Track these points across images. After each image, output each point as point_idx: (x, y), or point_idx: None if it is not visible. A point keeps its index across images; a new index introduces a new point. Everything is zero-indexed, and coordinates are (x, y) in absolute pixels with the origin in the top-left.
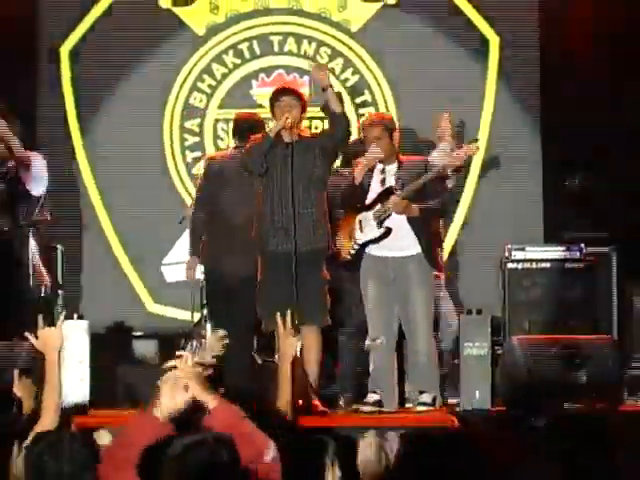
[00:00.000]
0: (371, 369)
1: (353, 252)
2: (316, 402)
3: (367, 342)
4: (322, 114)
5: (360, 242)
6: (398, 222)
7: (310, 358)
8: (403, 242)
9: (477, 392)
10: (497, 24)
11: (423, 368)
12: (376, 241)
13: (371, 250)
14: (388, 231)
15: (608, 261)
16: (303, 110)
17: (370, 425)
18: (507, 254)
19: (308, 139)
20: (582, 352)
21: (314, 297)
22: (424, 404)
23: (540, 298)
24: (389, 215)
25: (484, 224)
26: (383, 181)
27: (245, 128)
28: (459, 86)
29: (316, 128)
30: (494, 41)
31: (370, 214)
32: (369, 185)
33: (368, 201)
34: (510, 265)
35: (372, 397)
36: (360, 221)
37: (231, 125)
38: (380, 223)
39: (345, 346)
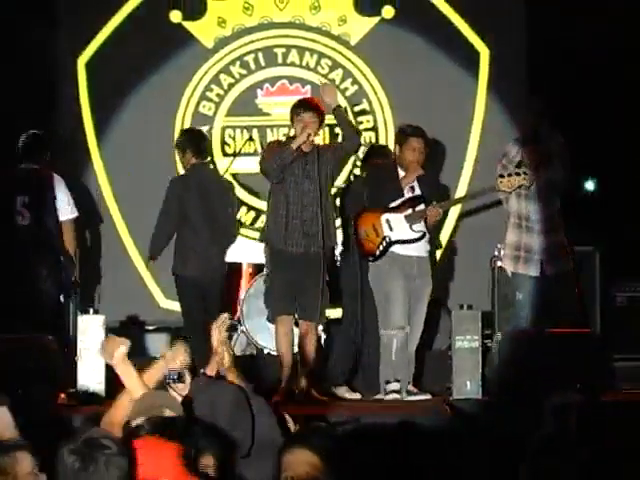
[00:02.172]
0: (393, 358)
1: (382, 248)
2: (314, 392)
3: (389, 332)
4: (333, 121)
5: (392, 240)
6: (422, 226)
7: (308, 352)
8: (423, 244)
9: (468, 382)
10: (487, 37)
11: (414, 359)
12: (408, 242)
13: (396, 249)
14: (423, 235)
15: (592, 259)
16: (320, 125)
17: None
18: (497, 253)
19: (322, 149)
20: (567, 345)
21: (318, 296)
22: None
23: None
24: (420, 220)
25: (475, 225)
26: (412, 188)
27: (200, 141)
28: (451, 96)
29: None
30: (484, 53)
31: (400, 216)
32: None
33: (396, 204)
34: (500, 263)
35: (394, 386)
36: (388, 220)
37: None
38: (411, 226)
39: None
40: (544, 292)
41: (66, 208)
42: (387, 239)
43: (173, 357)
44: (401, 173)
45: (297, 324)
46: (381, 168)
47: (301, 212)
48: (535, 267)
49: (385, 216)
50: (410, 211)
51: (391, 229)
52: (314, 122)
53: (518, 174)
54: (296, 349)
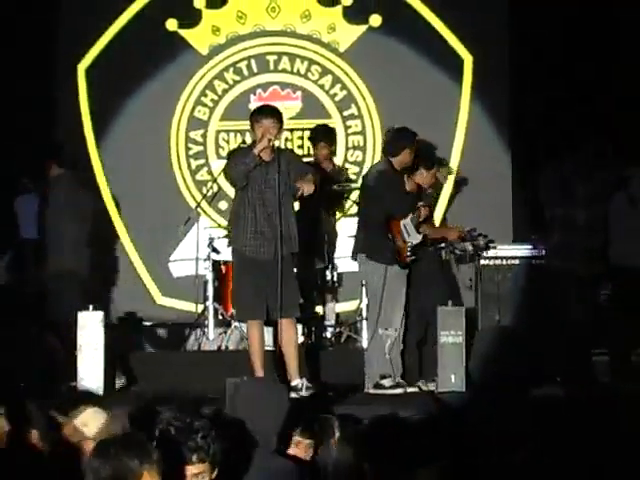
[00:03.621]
0: (387, 356)
1: (410, 254)
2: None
3: (387, 332)
4: (311, 125)
5: (414, 244)
6: None
7: (290, 347)
8: None
9: (452, 376)
10: (470, 45)
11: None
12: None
13: None
14: (425, 236)
15: None
16: (280, 129)
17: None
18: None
19: (283, 157)
20: (548, 340)
21: (291, 295)
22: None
23: (509, 291)
24: (417, 222)
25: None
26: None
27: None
28: (436, 101)
29: (302, 138)
30: (468, 60)
31: (408, 220)
32: None
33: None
34: (483, 262)
35: (390, 381)
36: (405, 225)
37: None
38: (416, 229)
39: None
40: (577, 290)
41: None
42: (410, 244)
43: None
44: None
45: (268, 323)
46: (386, 172)
47: (266, 219)
48: (576, 266)
49: (402, 222)
50: (411, 214)
51: (408, 234)
52: (274, 127)
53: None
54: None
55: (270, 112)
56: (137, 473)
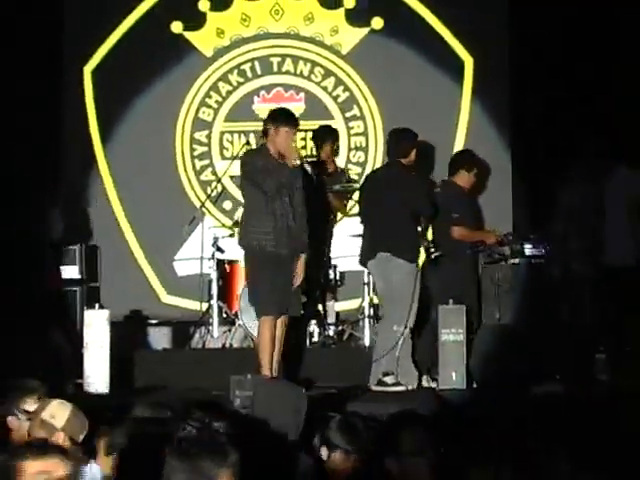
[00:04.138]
0: (397, 353)
1: (433, 250)
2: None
3: (402, 329)
4: (314, 126)
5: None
6: None
7: (279, 343)
8: None
9: (453, 374)
10: (471, 47)
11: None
12: None
13: None
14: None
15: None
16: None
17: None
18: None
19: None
20: (547, 338)
21: (298, 293)
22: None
23: (510, 289)
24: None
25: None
26: None
27: None
28: (437, 102)
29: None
30: (468, 62)
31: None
32: None
33: None
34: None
35: (393, 378)
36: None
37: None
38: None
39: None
40: (589, 293)
41: None
42: (427, 242)
43: None
44: None
45: None
46: (407, 173)
47: (281, 217)
48: (589, 269)
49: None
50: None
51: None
52: (295, 132)
53: None
54: None
55: (294, 118)
56: (211, 475)
